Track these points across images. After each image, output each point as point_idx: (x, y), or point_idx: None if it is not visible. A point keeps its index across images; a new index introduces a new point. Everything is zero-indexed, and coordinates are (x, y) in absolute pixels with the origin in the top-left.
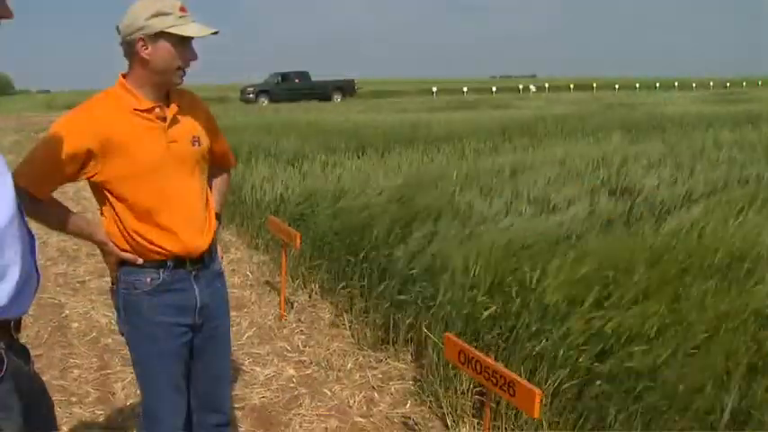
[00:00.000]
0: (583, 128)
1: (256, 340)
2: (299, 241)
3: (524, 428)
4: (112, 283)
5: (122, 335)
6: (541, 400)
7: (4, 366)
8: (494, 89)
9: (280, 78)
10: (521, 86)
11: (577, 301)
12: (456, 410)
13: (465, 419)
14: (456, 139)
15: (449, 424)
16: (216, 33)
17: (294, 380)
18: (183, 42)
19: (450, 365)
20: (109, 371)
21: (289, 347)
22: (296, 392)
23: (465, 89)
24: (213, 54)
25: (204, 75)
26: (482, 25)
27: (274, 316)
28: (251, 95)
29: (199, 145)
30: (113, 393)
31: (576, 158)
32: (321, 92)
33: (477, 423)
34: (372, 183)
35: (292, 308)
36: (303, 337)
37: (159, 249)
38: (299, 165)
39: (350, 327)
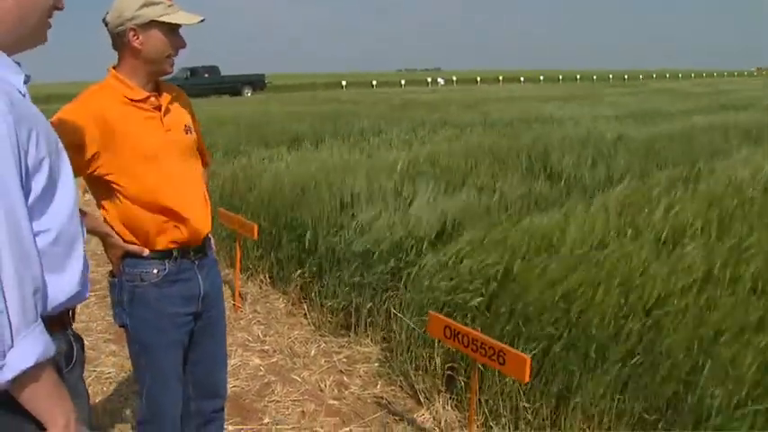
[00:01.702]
0: None
1: None
2: (256, 231)
3: (503, 397)
4: (113, 276)
5: (122, 326)
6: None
7: (75, 352)
8: (402, 82)
9: (188, 73)
10: (429, 79)
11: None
12: (427, 387)
13: (436, 395)
14: None
15: (421, 400)
16: (203, 21)
17: (262, 368)
18: (173, 31)
19: (420, 344)
20: None
21: (249, 338)
22: (266, 380)
23: (374, 82)
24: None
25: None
26: (387, 21)
27: (228, 308)
28: None
29: (191, 134)
30: None
31: None
32: (231, 86)
33: (450, 397)
34: None
35: (244, 300)
36: (262, 327)
37: (168, 236)
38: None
39: (308, 314)
